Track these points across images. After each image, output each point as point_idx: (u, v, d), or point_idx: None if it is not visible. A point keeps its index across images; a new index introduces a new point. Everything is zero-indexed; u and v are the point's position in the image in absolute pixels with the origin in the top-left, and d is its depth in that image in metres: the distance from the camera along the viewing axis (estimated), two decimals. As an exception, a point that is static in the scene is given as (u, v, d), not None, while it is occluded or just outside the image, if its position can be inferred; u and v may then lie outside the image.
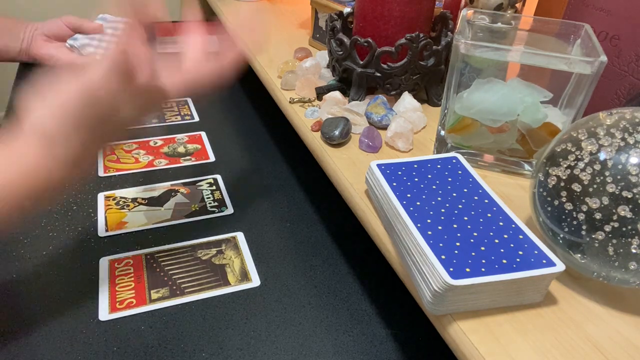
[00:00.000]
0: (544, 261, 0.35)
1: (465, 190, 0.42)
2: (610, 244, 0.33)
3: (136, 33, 0.38)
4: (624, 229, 0.33)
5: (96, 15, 0.96)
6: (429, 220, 0.38)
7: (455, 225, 0.38)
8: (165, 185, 0.66)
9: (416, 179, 0.43)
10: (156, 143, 0.75)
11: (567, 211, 0.35)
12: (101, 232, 0.57)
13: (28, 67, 0.94)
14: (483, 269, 0.34)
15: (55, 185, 0.39)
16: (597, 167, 0.34)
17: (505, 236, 0.37)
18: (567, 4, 0.56)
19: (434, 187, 0.42)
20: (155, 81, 0.42)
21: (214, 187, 0.67)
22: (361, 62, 0.59)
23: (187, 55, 0.47)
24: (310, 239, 0.59)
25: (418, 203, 0.40)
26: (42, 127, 0.37)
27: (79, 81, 0.37)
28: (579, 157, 0.35)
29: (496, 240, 0.37)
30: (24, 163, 0.37)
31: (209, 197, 0.64)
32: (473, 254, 0.35)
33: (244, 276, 0.53)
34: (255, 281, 0.53)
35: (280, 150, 0.77)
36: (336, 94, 0.62)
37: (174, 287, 0.51)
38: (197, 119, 0.83)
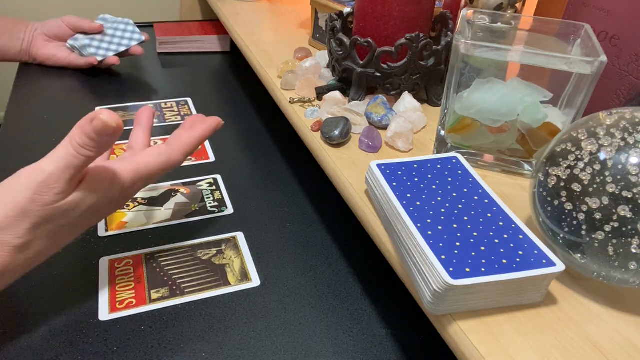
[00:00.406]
0: (544, 261, 0.35)
1: (465, 190, 0.42)
2: (610, 244, 0.33)
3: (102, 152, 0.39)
4: (624, 229, 0.33)
5: (96, 16, 0.96)
6: (429, 220, 0.38)
7: (455, 225, 0.38)
8: (165, 185, 0.66)
9: (416, 179, 0.43)
10: (156, 143, 0.75)
11: (567, 211, 0.35)
12: (101, 232, 0.57)
13: (28, 67, 0.94)
14: (483, 269, 0.34)
15: (12, 270, 0.40)
16: (597, 167, 0.34)
17: (505, 236, 0.37)
18: (567, 4, 0.56)
19: (434, 187, 0.42)
20: (114, 191, 0.44)
21: (214, 187, 0.67)
22: (361, 62, 0.59)
23: (136, 149, 0.49)
24: (310, 239, 0.59)
25: (418, 203, 0.40)
26: None
27: (29, 173, 0.39)
28: (579, 157, 0.35)
29: (496, 240, 0.37)
30: None
31: (209, 197, 0.64)
32: (473, 254, 0.35)
33: (244, 276, 0.53)
34: (255, 281, 0.53)
35: (280, 150, 0.77)
36: (336, 94, 0.62)
37: (174, 287, 0.51)
38: (197, 119, 0.83)
